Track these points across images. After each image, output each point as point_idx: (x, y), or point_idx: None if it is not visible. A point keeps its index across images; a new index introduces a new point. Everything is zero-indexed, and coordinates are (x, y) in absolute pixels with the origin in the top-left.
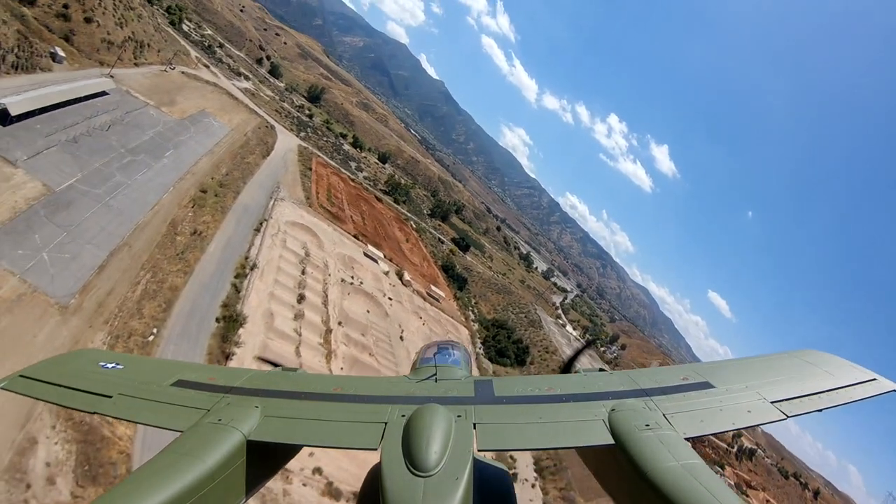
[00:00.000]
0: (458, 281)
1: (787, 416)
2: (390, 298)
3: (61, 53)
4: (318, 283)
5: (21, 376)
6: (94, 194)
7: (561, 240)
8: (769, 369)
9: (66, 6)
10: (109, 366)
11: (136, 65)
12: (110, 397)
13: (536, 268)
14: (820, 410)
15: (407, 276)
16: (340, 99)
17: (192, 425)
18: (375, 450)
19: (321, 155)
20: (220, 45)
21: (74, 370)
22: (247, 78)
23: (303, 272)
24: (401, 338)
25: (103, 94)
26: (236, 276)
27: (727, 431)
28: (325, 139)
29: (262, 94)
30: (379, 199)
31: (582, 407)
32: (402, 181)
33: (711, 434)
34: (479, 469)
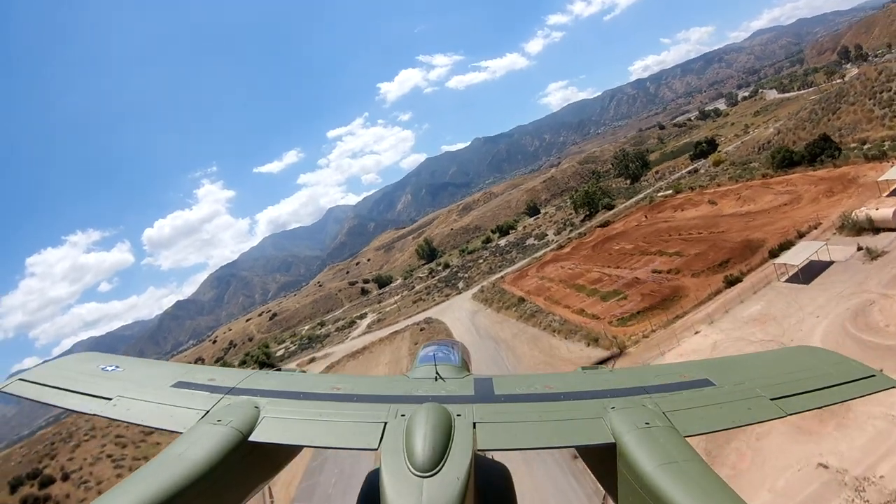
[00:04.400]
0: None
1: (787, 414)
2: None
3: None
4: None
5: (20, 379)
6: None
7: (675, 91)
8: (769, 367)
9: None
10: (109, 368)
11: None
12: (110, 399)
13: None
14: (820, 407)
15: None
16: (445, 228)
17: (191, 426)
18: (376, 450)
19: (501, 274)
20: (321, 324)
21: (74, 373)
22: (361, 317)
23: None
24: None
25: None
26: None
27: (727, 429)
28: (481, 262)
29: (386, 310)
30: (605, 224)
31: (582, 405)
32: (583, 188)
33: (711, 432)
34: (480, 468)
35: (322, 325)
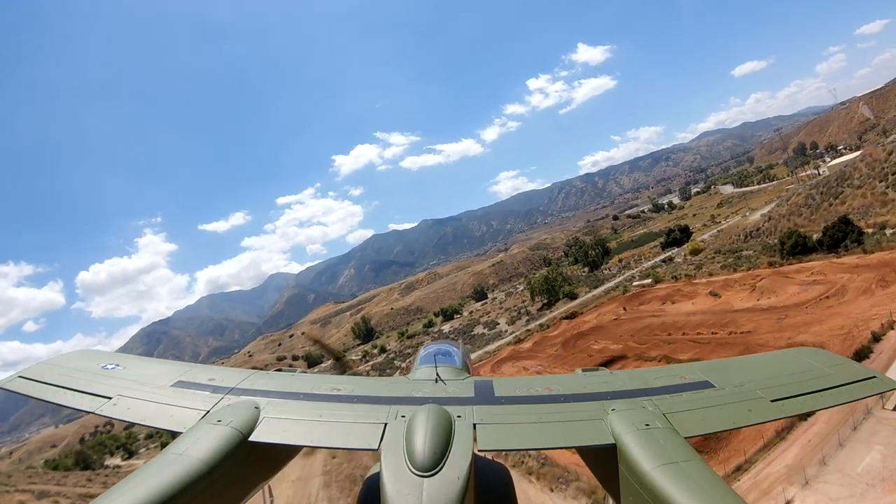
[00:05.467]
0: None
1: (787, 416)
2: None
3: None
4: None
5: (20, 377)
6: None
7: (622, 186)
8: (769, 368)
9: None
10: (110, 366)
11: None
12: (110, 398)
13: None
14: (822, 409)
15: None
16: (385, 307)
17: (191, 426)
18: (376, 450)
19: None
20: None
21: (74, 371)
22: None
23: None
24: None
25: None
26: None
27: (727, 431)
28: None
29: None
30: (572, 316)
31: (582, 407)
32: (541, 273)
33: (711, 433)
34: (480, 469)
35: None
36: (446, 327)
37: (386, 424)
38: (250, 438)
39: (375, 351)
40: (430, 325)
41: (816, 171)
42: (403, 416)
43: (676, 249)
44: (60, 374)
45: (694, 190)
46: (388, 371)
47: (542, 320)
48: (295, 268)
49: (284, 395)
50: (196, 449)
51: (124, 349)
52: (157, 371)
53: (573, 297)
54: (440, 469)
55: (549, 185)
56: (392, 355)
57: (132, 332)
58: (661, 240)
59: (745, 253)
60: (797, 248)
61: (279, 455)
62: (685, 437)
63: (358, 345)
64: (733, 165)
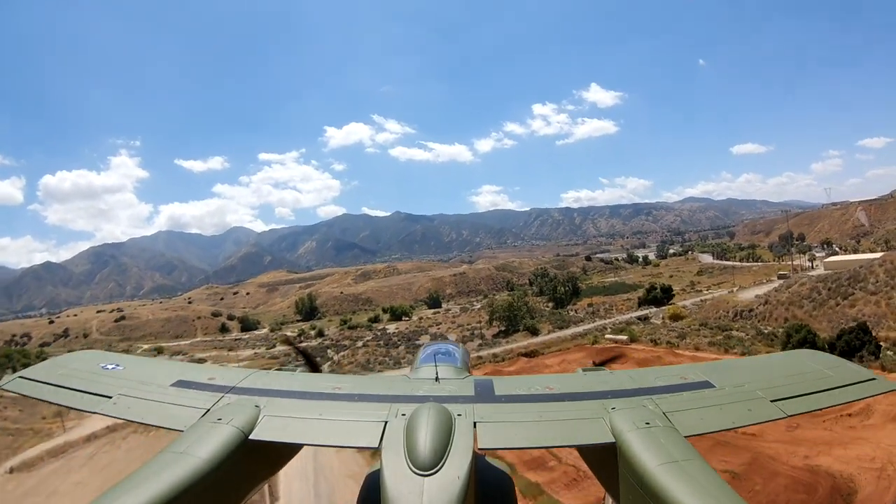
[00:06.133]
0: None
1: (787, 416)
2: None
3: None
4: None
5: (20, 377)
6: None
7: (599, 228)
8: (769, 369)
9: None
10: (110, 367)
11: None
12: (110, 398)
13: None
14: (822, 409)
15: None
16: (335, 289)
17: (192, 425)
18: (376, 448)
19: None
20: (159, 350)
21: (75, 371)
22: (201, 362)
23: None
24: None
25: None
26: None
27: (727, 430)
28: (359, 345)
29: (231, 365)
30: (531, 354)
31: (582, 405)
32: (507, 297)
33: (711, 433)
34: (480, 467)
35: (160, 351)
36: (392, 327)
37: (386, 423)
38: (251, 437)
39: (313, 332)
40: (375, 319)
41: (809, 264)
42: (404, 415)
43: (654, 309)
44: (61, 374)
45: (671, 250)
46: (319, 359)
47: (497, 350)
48: (259, 226)
49: (285, 394)
50: (197, 448)
51: (69, 263)
52: (157, 371)
53: (535, 332)
54: (440, 468)
55: (528, 209)
56: (328, 342)
57: (82, 248)
58: (640, 294)
59: (735, 333)
60: (804, 345)
61: (280, 454)
62: (685, 437)
63: (297, 321)
64: (712, 236)
